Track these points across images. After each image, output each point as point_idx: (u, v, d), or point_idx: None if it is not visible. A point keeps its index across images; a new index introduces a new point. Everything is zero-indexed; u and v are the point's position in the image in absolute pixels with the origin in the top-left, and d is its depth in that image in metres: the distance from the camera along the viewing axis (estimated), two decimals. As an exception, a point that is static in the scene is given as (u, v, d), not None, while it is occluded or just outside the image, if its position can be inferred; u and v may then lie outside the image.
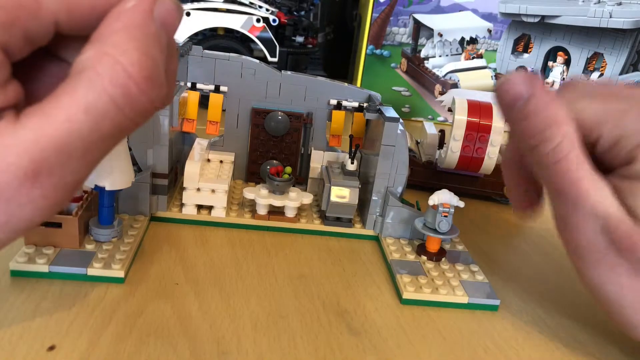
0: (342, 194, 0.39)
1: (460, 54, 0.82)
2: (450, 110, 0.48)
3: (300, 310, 0.30)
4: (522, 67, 0.82)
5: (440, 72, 0.82)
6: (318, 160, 0.44)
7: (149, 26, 0.18)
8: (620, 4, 0.78)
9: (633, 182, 0.26)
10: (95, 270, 0.30)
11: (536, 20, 0.80)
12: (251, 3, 0.74)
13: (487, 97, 0.49)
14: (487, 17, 0.80)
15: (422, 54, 0.82)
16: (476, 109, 0.46)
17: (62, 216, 0.31)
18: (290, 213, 0.39)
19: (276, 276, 0.33)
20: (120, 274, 0.30)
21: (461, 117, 0.45)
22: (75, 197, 0.34)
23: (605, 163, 0.27)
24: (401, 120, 0.37)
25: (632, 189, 0.26)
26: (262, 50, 0.74)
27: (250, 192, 0.39)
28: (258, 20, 0.73)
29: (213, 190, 0.38)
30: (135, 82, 0.17)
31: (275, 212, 0.39)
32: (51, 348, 0.25)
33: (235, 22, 0.73)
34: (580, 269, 0.27)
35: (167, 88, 0.19)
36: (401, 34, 0.81)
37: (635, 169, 0.26)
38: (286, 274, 0.33)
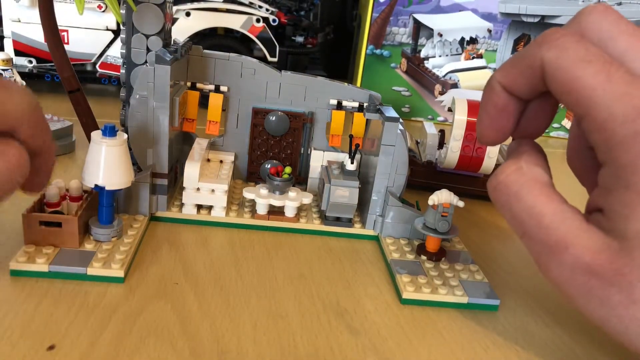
0: (342, 194, 0.39)
1: (460, 54, 0.82)
2: (450, 110, 0.48)
3: (300, 310, 0.30)
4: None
5: (440, 72, 0.82)
6: (318, 160, 0.44)
7: None
8: (620, 4, 0.78)
9: (608, 191, 0.22)
10: (95, 269, 0.30)
11: (536, 20, 0.80)
12: (251, 3, 0.74)
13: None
14: (487, 17, 0.80)
15: (422, 54, 0.82)
16: (476, 109, 0.46)
17: (62, 216, 0.31)
18: (290, 213, 0.39)
19: (276, 276, 0.33)
20: (120, 273, 0.30)
21: (461, 117, 0.45)
22: (75, 197, 0.34)
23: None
24: (401, 120, 0.38)
25: (608, 201, 0.22)
26: (262, 50, 0.74)
27: (250, 192, 0.39)
28: (258, 20, 0.73)
29: (213, 190, 0.38)
30: None
31: (275, 211, 0.39)
32: (51, 348, 0.25)
33: (235, 22, 0.73)
34: (575, 306, 0.24)
35: None
36: (401, 34, 0.81)
37: (609, 172, 0.22)
38: (286, 274, 0.33)
